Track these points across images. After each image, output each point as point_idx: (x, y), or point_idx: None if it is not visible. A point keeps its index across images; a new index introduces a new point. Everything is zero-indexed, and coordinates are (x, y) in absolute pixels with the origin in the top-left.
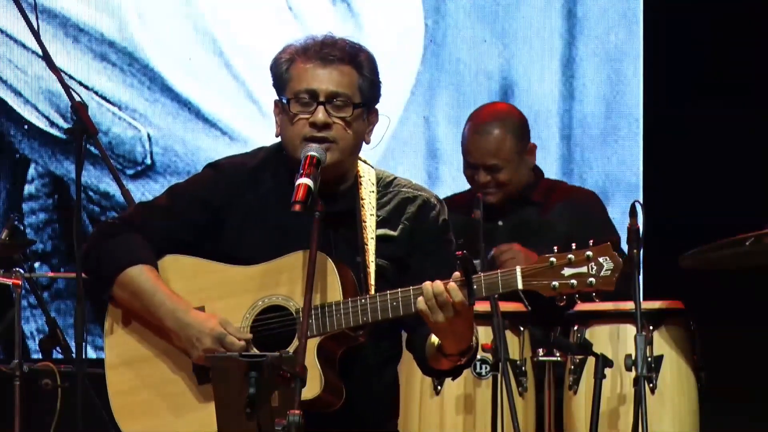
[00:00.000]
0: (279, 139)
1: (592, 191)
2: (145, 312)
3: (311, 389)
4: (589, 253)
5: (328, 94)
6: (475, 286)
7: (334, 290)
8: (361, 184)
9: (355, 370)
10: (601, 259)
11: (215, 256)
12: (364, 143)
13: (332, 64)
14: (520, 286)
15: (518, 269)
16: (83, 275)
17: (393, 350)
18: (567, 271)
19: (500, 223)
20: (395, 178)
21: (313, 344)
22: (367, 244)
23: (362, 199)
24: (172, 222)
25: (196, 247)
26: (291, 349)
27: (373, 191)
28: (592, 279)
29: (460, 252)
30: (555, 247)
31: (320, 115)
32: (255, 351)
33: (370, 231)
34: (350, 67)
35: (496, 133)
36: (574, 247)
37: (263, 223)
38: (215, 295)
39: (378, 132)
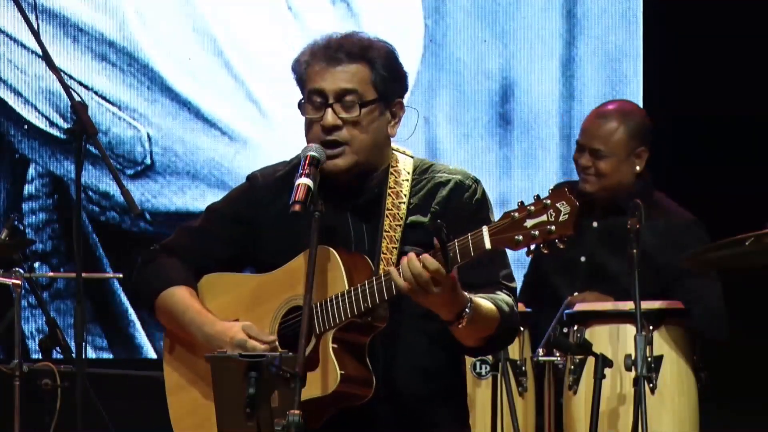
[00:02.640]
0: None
1: (695, 218)
2: (181, 332)
3: (329, 385)
4: (547, 201)
5: (336, 94)
6: (450, 254)
7: (339, 282)
8: (392, 173)
9: (399, 353)
10: (558, 205)
11: (259, 267)
12: (391, 137)
13: (340, 63)
14: (488, 245)
15: (485, 228)
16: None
17: (443, 331)
18: (529, 223)
19: (594, 224)
20: (432, 164)
21: (327, 339)
22: (388, 232)
23: (390, 188)
24: (208, 243)
25: (237, 262)
26: (311, 345)
27: (407, 179)
28: (551, 226)
29: (434, 221)
30: (519, 201)
31: (329, 117)
32: (279, 350)
33: (398, 218)
34: (360, 65)
35: (612, 120)
36: (534, 198)
37: (294, 226)
38: (245, 306)
39: (408, 125)
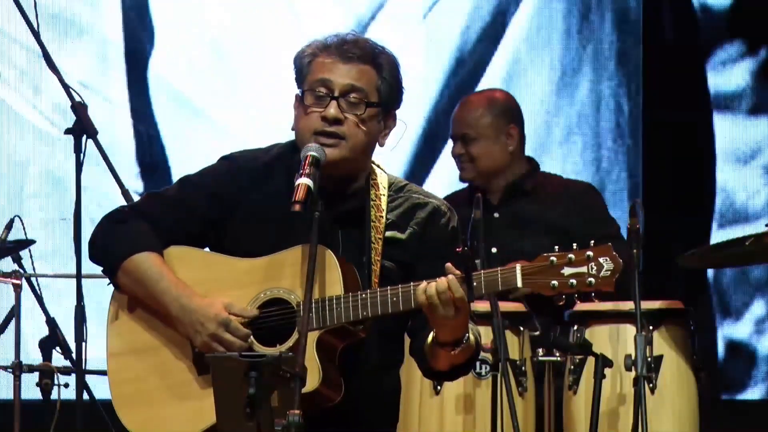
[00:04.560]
0: (294, 134)
1: (588, 183)
2: (149, 299)
3: (309, 383)
4: (590, 253)
5: (343, 88)
6: (474, 284)
7: (336, 284)
8: (373, 186)
9: (357, 371)
10: (601, 260)
11: (222, 249)
12: (378, 146)
13: (352, 61)
14: (519, 284)
15: (518, 267)
16: (95, 265)
17: (396, 355)
18: (567, 271)
19: (496, 215)
20: (407, 184)
21: (312, 338)
22: (374, 243)
23: (373, 200)
24: (180, 214)
25: (203, 239)
26: (291, 342)
27: (384, 194)
28: (591, 279)
29: (460, 248)
30: (556, 246)
31: (332, 109)
32: (254, 341)
33: (379, 231)
34: (370, 67)
35: (475, 105)
36: (575, 247)
37: (273, 218)
38: (218, 286)
39: (394, 136)
